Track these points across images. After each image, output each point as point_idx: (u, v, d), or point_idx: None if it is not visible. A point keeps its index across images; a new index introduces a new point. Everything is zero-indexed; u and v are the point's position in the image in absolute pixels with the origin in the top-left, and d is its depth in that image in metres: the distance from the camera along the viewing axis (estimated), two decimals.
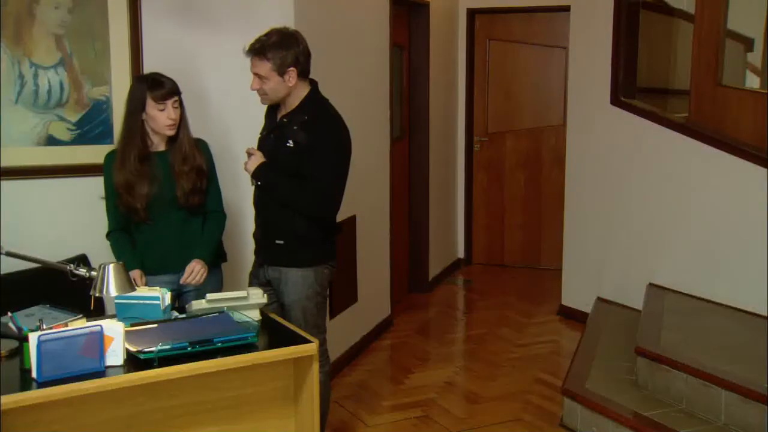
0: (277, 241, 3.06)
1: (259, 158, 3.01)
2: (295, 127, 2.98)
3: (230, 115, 3.76)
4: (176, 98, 3.00)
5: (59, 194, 3.45)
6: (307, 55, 3.00)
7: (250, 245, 3.26)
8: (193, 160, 3.05)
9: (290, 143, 2.98)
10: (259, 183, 3.04)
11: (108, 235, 3.10)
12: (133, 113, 2.99)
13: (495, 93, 6.88)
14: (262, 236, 3.15)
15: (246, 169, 3.03)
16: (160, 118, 2.97)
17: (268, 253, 3.12)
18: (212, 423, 2.53)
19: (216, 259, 3.20)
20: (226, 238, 3.31)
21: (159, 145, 3.07)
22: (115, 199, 3.05)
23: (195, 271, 3.03)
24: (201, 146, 3.13)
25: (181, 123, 3.05)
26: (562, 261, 5.63)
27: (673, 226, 4.64)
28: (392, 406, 4.06)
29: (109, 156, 3.08)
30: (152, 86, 2.95)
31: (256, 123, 3.22)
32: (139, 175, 2.99)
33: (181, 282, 3.04)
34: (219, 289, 3.17)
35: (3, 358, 2.34)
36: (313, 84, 3.08)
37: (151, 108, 2.96)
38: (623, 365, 3.92)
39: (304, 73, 3.00)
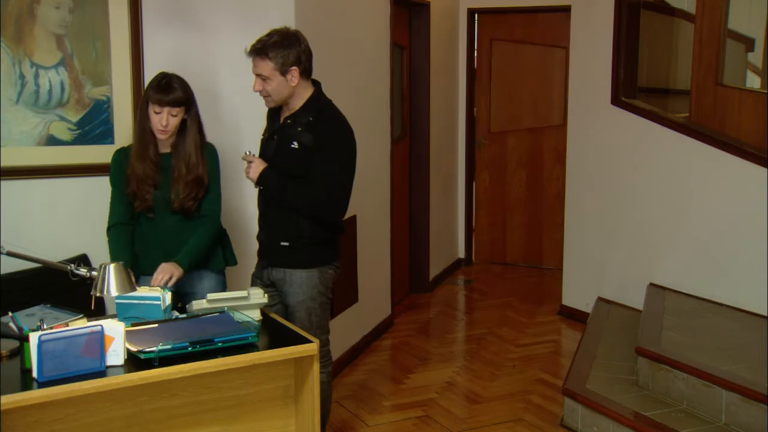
0: (282, 243, 3.03)
1: (259, 164, 2.95)
2: (299, 129, 2.95)
3: (231, 116, 3.76)
4: (178, 108, 2.95)
5: (60, 194, 3.45)
6: (309, 54, 2.97)
7: (255, 247, 3.23)
8: (195, 169, 3.01)
9: (294, 145, 2.94)
10: (262, 189, 3.01)
11: (108, 231, 3.06)
12: (142, 109, 3.00)
13: (496, 93, 6.87)
14: (266, 238, 3.11)
15: (248, 177, 2.98)
16: (153, 120, 2.95)
17: (272, 255, 3.09)
18: (213, 423, 2.54)
19: (219, 263, 3.17)
20: (233, 240, 3.30)
21: (164, 147, 3.05)
22: (121, 191, 3.03)
23: (164, 271, 2.87)
24: (207, 151, 3.08)
25: (186, 131, 3.01)
26: (563, 261, 5.62)
27: (673, 226, 4.64)
28: (393, 406, 4.06)
29: (120, 151, 3.09)
30: (157, 88, 2.93)
31: (260, 124, 3.20)
32: (157, 166, 3.00)
33: (152, 283, 2.87)
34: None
35: (4, 357, 2.34)
36: (317, 85, 3.05)
37: (150, 108, 2.95)
38: (624, 365, 3.92)
39: (306, 73, 2.97)
